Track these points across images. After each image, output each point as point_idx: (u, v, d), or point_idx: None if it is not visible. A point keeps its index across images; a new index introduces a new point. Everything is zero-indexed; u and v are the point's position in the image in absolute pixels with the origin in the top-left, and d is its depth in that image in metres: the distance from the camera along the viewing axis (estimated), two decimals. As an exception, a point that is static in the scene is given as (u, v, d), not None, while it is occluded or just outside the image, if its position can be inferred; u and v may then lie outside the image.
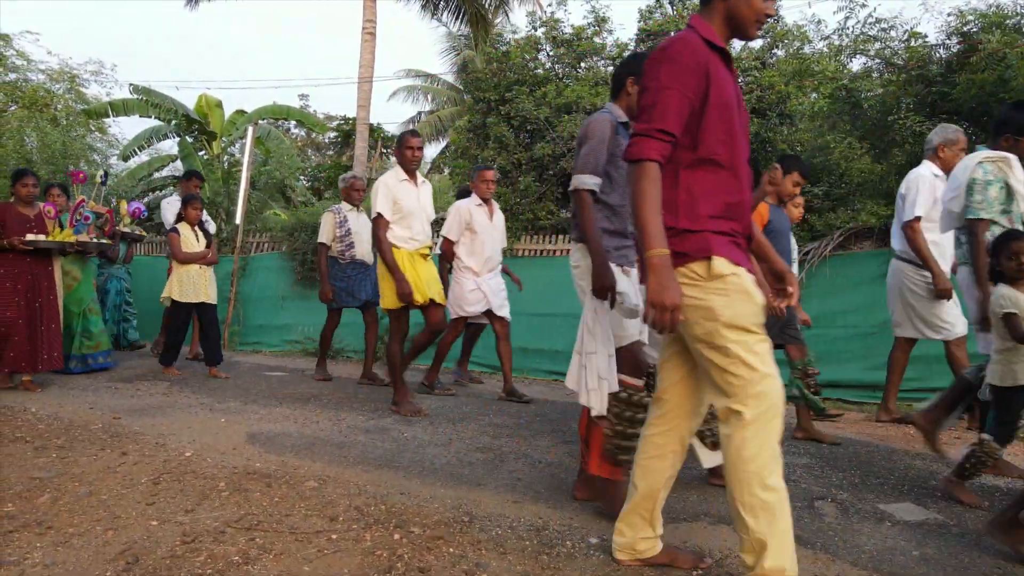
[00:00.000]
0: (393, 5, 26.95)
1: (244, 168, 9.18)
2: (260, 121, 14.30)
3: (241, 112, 14.98)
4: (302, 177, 14.26)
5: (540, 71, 8.70)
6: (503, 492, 2.86)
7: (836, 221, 6.46)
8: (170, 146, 15.36)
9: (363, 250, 5.81)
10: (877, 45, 6.66)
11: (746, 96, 7.97)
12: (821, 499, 2.89)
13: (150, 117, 14.02)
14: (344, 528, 2.36)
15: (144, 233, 6.85)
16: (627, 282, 2.66)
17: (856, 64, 7.33)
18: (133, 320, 7.67)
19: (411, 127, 19.86)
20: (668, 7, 9.20)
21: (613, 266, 2.60)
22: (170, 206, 6.84)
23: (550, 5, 9.13)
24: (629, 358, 2.59)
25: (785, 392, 3.65)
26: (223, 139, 14.82)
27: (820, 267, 5.87)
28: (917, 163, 6.05)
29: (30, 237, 4.78)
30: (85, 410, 4.18)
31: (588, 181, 2.63)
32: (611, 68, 8.85)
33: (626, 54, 8.94)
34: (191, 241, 5.86)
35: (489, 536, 2.34)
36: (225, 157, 14.75)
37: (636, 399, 2.49)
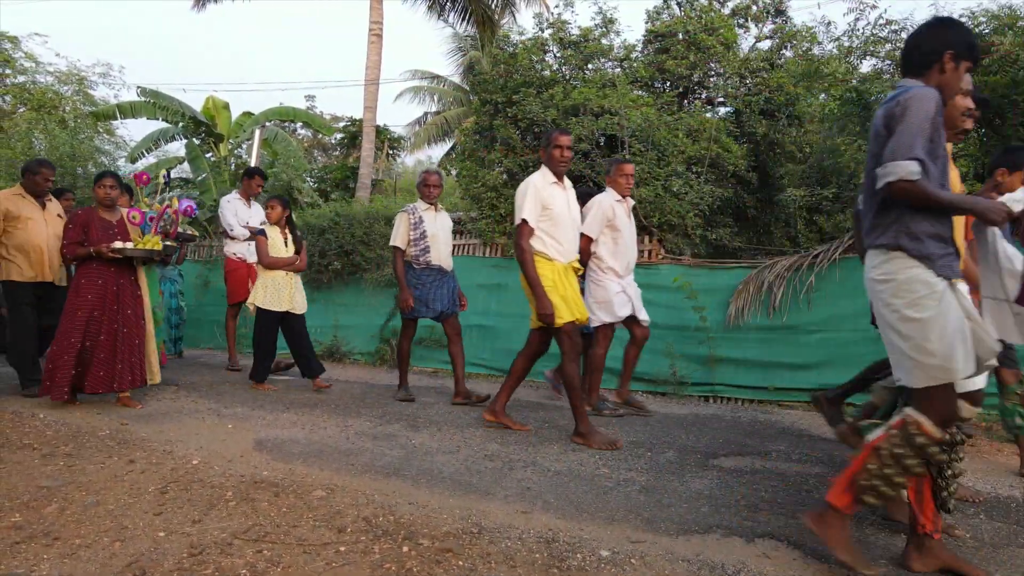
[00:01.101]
0: (399, 6, 26.95)
1: (251, 170, 9.18)
2: (267, 123, 14.33)
3: (248, 114, 15.02)
4: (309, 179, 14.28)
5: (547, 73, 8.66)
6: (512, 502, 2.83)
7: (846, 224, 6.42)
8: (177, 148, 15.42)
9: (440, 254, 5.18)
10: (888, 47, 6.60)
11: (754, 97, 7.93)
12: (834, 510, 2.85)
13: (157, 119, 14.07)
14: (352, 540, 2.34)
15: (196, 233, 6.44)
16: (955, 302, 2.14)
17: (866, 66, 7.27)
18: (182, 328, 7.44)
19: (417, 129, 19.84)
20: (676, 8, 9.16)
21: (940, 279, 2.12)
22: (229, 205, 6.51)
23: (557, 6, 9.08)
24: (945, 405, 2.12)
25: (1007, 423, 3.50)
26: (230, 141, 14.86)
27: (830, 270, 5.82)
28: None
29: (117, 245, 4.37)
30: (93, 415, 4.17)
31: (913, 169, 2.07)
32: (618, 70, 8.81)
33: (633, 55, 8.90)
34: (278, 245, 5.41)
35: (499, 548, 2.31)
36: (232, 159, 14.79)
37: (919, 443, 2.09)
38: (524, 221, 3.93)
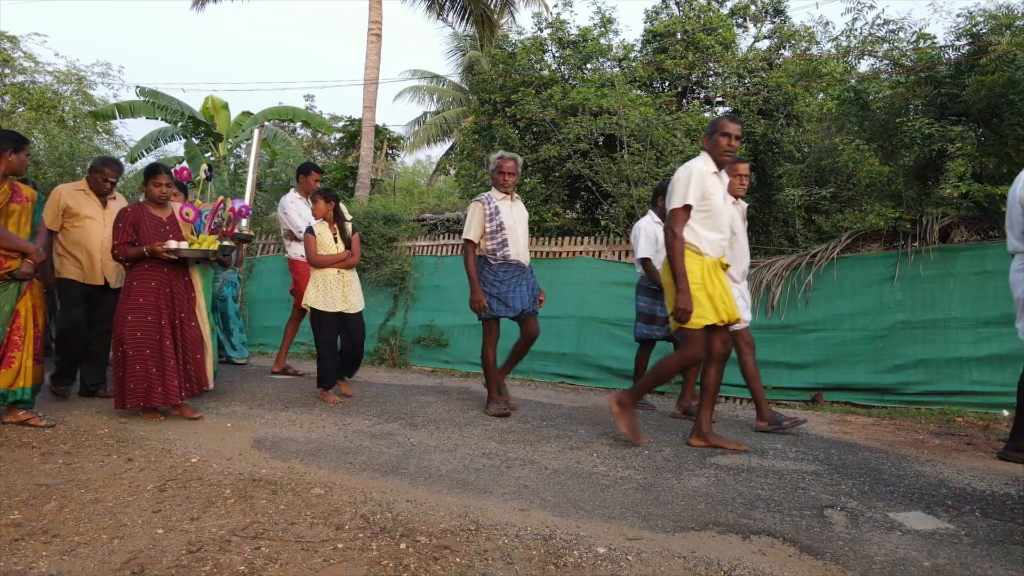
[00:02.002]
0: (399, 6, 27.02)
1: (250, 170, 9.16)
2: (266, 122, 14.32)
3: (247, 114, 15.02)
4: (308, 178, 14.27)
5: (546, 72, 8.68)
6: (510, 499, 2.84)
7: (844, 223, 6.43)
8: (177, 148, 15.43)
9: (519, 247, 4.77)
10: (885, 46, 6.62)
11: (753, 97, 7.94)
12: (831, 507, 2.86)
13: (157, 119, 14.05)
14: (350, 537, 2.35)
15: (252, 233, 6.12)
16: None
17: (864, 65, 7.29)
18: (243, 333, 7.18)
19: (416, 128, 19.83)
20: (674, 8, 9.18)
21: None
22: (293, 206, 6.22)
23: (556, 6, 9.11)
24: None
25: None
26: (229, 140, 14.86)
27: (828, 269, 5.83)
28: (926, 165, 6.06)
29: (172, 245, 4.12)
30: (92, 414, 4.18)
31: None
32: (616, 69, 8.83)
33: (632, 55, 8.92)
34: (326, 241, 5.09)
35: (496, 545, 2.32)
36: (231, 159, 14.79)
37: None
38: (685, 206, 3.61)
